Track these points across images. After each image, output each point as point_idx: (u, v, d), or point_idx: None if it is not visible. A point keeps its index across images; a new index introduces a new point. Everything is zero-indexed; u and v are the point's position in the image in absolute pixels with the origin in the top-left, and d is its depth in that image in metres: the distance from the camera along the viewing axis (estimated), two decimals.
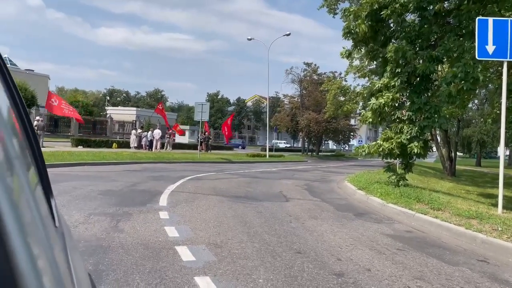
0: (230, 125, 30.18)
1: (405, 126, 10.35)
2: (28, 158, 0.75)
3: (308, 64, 44.51)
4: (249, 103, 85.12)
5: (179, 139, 39.06)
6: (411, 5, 10.21)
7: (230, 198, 8.47)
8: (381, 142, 10.84)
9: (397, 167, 11.57)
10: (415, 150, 10.11)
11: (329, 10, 17.24)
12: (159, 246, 4.54)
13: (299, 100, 44.67)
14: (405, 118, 10.49)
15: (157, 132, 27.59)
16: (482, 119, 35.64)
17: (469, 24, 9.58)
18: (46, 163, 1.02)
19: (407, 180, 11.36)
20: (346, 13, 12.00)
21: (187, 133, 44.47)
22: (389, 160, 11.34)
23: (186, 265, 3.93)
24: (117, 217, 5.89)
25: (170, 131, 31.49)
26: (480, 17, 7.82)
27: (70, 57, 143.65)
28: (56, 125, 35.27)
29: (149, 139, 27.68)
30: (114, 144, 27.13)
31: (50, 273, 0.47)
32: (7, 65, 0.81)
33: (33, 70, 51.15)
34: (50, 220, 0.76)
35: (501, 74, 10.59)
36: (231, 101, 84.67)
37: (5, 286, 0.40)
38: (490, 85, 15.84)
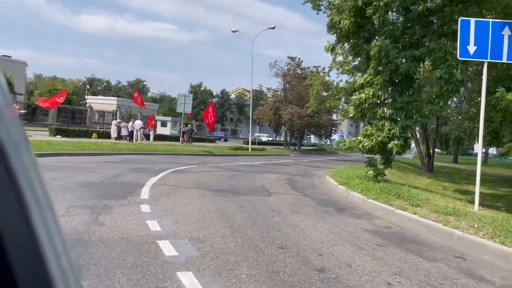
0: (214, 112, 29.84)
1: (386, 123, 10.49)
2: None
3: (292, 58, 44.61)
4: (233, 96, 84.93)
5: (160, 130, 38.67)
6: (394, 4, 10.30)
7: (212, 192, 8.45)
8: (362, 139, 10.97)
9: (377, 162, 11.75)
10: (395, 149, 10.29)
11: (314, 6, 17.26)
12: (141, 240, 4.50)
13: (282, 94, 44.76)
14: (386, 116, 10.63)
15: (138, 123, 27.25)
16: (460, 117, 36.47)
17: (452, 25, 9.75)
18: None
19: (385, 175, 11.56)
20: (330, 7, 12.06)
21: (168, 124, 44.06)
22: (370, 155, 11.52)
23: (168, 260, 3.91)
24: (97, 210, 5.80)
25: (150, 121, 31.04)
26: (463, 18, 7.96)
27: (49, 44, 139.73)
28: (33, 114, 34.40)
29: (129, 130, 27.30)
30: (94, 134, 26.67)
31: (65, 254, 0.48)
32: None
33: (10, 56, 49.59)
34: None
35: (480, 73, 10.87)
36: (215, 93, 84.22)
37: (32, 265, 0.42)
38: (468, 84, 16.21)
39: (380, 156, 11.66)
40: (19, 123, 0.48)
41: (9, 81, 33.41)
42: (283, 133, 51.22)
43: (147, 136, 30.07)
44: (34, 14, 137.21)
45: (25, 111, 30.24)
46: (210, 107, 30.97)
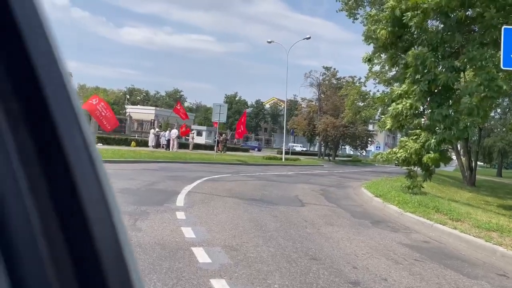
0: (245, 122, 30.11)
1: (422, 134, 10.18)
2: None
3: (327, 68, 44.33)
4: (267, 106, 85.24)
5: (195, 139, 39.40)
6: (432, 12, 10.04)
7: (246, 201, 8.50)
8: (397, 150, 10.73)
9: (417, 174, 11.39)
10: (430, 162, 9.96)
11: (349, 14, 17.13)
12: (176, 246, 4.60)
13: (317, 104, 44.50)
14: (423, 127, 10.33)
15: (174, 132, 27.87)
16: (504, 129, 34.77)
17: (493, 32, 9.38)
18: None
19: (423, 187, 11.20)
20: (367, 18, 11.93)
21: (204, 133, 44.81)
22: (409, 167, 11.18)
23: (202, 266, 3.97)
24: (135, 216, 5.98)
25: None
26: (506, 26, 7.66)
27: (92, 56, 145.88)
28: None
29: (166, 139, 27.99)
30: (132, 142, 27.53)
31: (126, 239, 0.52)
32: None
33: None
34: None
35: None
36: (249, 103, 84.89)
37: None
38: None
39: (417, 168, 11.32)
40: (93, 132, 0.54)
41: None
42: (317, 143, 50.77)
43: (185, 145, 30.76)
44: (79, 27, 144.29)
45: None
46: (243, 117, 31.29)
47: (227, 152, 32.16)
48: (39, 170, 0.42)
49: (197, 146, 33.28)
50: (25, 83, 0.43)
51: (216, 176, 13.35)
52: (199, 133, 43.89)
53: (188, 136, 32.84)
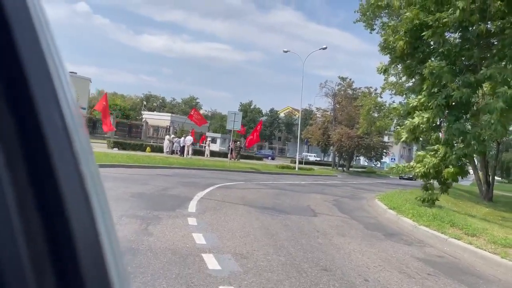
0: (259, 131, 30.31)
1: (441, 149, 10.01)
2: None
3: (343, 79, 44.17)
4: (282, 115, 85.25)
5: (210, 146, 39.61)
6: (452, 24, 9.91)
7: (257, 209, 8.47)
8: (415, 164, 10.58)
9: (434, 186, 11.19)
10: (450, 177, 9.79)
11: (366, 25, 17.06)
12: (186, 252, 4.60)
13: (332, 114, 44.31)
14: (441, 141, 10.15)
15: (189, 139, 28.04)
16: None
17: None
18: None
19: (438, 200, 11.01)
20: (385, 28, 11.87)
21: (218, 141, 44.97)
22: (426, 180, 11.00)
23: (211, 273, 3.96)
24: (147, 220, 6.02)
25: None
26: None
27: (112, 62, 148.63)
28: (94, 126, 36.63)
29: (181, 145, 28.17)
30: (147, 148, 27.80)
31: (121, 258, 0.53)
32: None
33: (75, 73, 53.32)
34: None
35: None
36: (264, 111, 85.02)
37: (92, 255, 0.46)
38: None
39: (436, 181, 11.13)
40: (87, 135, 0.54)
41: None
42: (332, 153, 50.43)
43: (199, 152, 30.96)
44: (100, 34, 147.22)
45: (87, 124, 32.25)
46: (259, 125, 31.38)
47: (241, 160, 32.19)
48: (22, 170, 0.42)
49: (211, 153, 33.44)
50: (12, 83, 0.42)
51: (229, 184, 13.36)
52: (213, 140, 44.09)
53: (204, 143, 33.06)
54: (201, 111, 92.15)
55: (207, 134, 44.96)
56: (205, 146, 32.23)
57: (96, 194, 0.49)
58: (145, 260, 4.13)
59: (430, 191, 10.83)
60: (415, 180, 11.46)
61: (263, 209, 8.54)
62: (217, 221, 6.64)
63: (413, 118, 10.25)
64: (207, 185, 11.78)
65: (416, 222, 8.30)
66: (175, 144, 28.36)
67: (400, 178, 38.01)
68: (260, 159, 42.10)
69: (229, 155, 26.65)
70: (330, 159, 56.35)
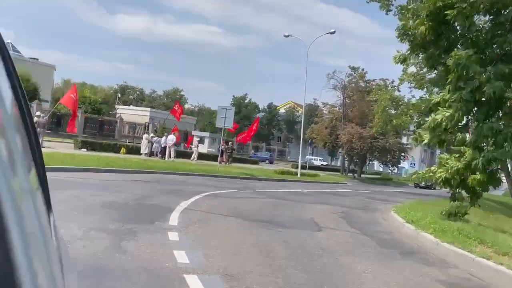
0: (255, 130, 30.60)
1: (467, 151, 10.03)
2: (29, 158, 0.76)
3: (354, 69, 44.33)
4: (282, 110, 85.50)
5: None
6: (482, 6, 9.94)
7: (252, 222, 8.49)
8: (436, 169, 10.61)
9: (463, 197, 11.18)
10: (476, 185, 9.81)
11: (382, 5, 17.12)
12: (166, 273, 4.60)
13: (341, 110, 44.48)
14: (469, 143, 10.17)
15: (171, 138, 28.00)
16: None
17: None
18: (45, 166, 1.04)
19: (468, 213, 11.05)
20: (403, 11, 11.91)
21: (206, 141, 45.02)
22: (452, 189, 11.01)
23: None
24: (120, 235, 6.01)
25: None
26: None
27: (80, 46, 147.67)
28: (58, 123, 36.40)
29: (162, 146, 28.12)
30: (122, 148, 27.75)
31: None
32: (10, 52, 0.82)
33: (37, 59, 53.09)
34: (49, 231, 0.78)
35: None
36: (261, 107, 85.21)
37: None
38: None
39: (463, 191, 11.15)
40: (7, 143, 0.50)
41: (35, 86, 35.63)
42: (340, 157, 50.62)
43: (184, 155, 30.98)
44: (67, 13, 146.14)
45: (50, 119, 32.11)
46: (255, 124, 31.42)
47: (233, 164, 32.23)
48: None
49: (199, 156, 33.45)
50: None
51: (219, 192, 13.38)
52: (201, 141, 44.15)
53: (192, 145, 33.05)
54: (187, 106, 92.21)
55: (194, 133, 45.04)
56: (192, 147, 32.21)
57: (16, 218, 0.46)
58: (116, 283, 4.12)
59: (458, 203, 10.81)
60: (433, 188, 11.52)
61: (258, 222, 8.55)
62: (203, 236, 6.64)
63: (436, 115, 10.27)
64: (193, 194, 11.78)
65: (439, 238, 8.34)
66: (155, 144, 28.34)
67: (415, 186, 38.24)
68: (255, 162, 42.17)
69: (219, 158, 26.69)
70: (338, 164, 56.54)
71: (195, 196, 11.27)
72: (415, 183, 39.04)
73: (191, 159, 30.68)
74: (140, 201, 9.43)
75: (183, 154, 31.69)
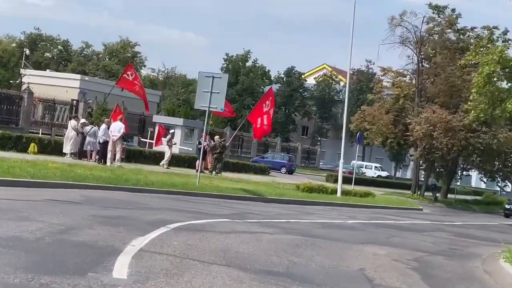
0: (271, 114, 30.29)
1: None
2: None
3: (437, 9, 44.14)
4: (310, 81, 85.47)
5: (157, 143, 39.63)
6: None
7: (255, 276, 8.49)
8: None
9: None
10: None
11: None
12: None
13: (414, 81, 44.38)
14: None
15: (117, 127, 27.85)
16: None
17: None
18: None
19: None
20: None
21: (178, 133, 45.04)
22: None
23: None
24: None
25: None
26: None
27: None
28: None
29: (101, 140, 28.01)
30: (32, 145, 27.79)
31: None
32: None
33: None
34: None
35: None
36: (274, 74, 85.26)
37: None
38: None
39: None
40: None
41: None
42: (411, 163, 50.53)
43: (140, 157, 31.05)
44: None
45: None
46: (268, 100, 31.06)
47: (224, 174, 32.23)
48: None
49: (164, 158, 33.53)
50: None
51: (199, 222, 13.38)
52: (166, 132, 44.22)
53: (164, 140, 33.19)
54: (144, 72, 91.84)
55: (156, 119, 44.98)
56: (164, 145, 32.38)
57: None
58: None
59: None
60: None
61: (266, 276, 8.55)
62: None
63: None
64: (154, 225, 11.79)
65: None
66: (88, 138, 28.26)
67: (504, 213, 38.39)
68: (263, 171, 42.22)
69: (199, 162, 26.55)
70: (408, 175, 56.37)
71: (158, 229, 11.28)
72: (504, 210, 38.75)
73: (161, 164, 30.74)
74: (63, 236, 9.43)
75: (138, 156, 31.80)
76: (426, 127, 39.01)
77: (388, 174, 65.61)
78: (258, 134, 34.19)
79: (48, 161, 22.42)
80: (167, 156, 31.51)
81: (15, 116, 40.51)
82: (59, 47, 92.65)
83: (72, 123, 29.16)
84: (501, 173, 45.31)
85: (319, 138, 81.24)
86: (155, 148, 35.96)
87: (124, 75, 34.23)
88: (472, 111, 31.95)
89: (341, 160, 33.85)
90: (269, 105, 30.20)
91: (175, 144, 33.97)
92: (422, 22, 44.14)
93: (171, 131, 34.52)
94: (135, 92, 34.92)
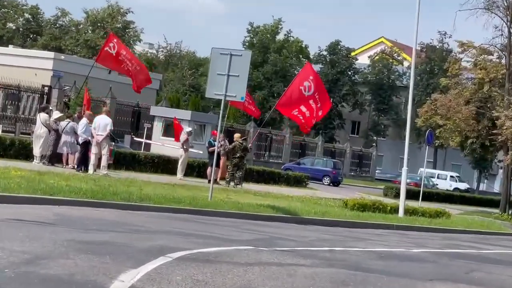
0: (322, 95, 29.56)
1: None
2: None
3: None
4: (362, 60, 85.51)
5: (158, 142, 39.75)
6: None
7: None
8: None
9: None
10: None
11: None
12: None
13: (503, 60, 44.23)
14: None
15: (102, 122, 27.97)
16: None
17: None
18: None
19: None
20: None
21: (184, 128, 45.30)
22: None
23: None
24: None
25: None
26: None
27: None
28: None
29: (81, 140, 28.15)
30: None
31: None
32: None
33: None
34: None
35: None
36: (313, 50, 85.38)
37: None
38: None
39: None
40: None
41: None
42: (502, 171, 50.38)
43: (133, 161, 31.22)
44: None
45: None
46: (308, 80, 30.51)
47: (245, 186, 32.29)
48: None
49: (166, 162, 33.69)
50: None
51: (211, 250, 13.43)
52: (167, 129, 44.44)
53: (181, 139, 33.40)
54: (139, 48, 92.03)
55: (153, 110, 45.17)
56: (180, 145, 32.62)
57: None
58: None
59: None
60: None
61: None
62: None
63: None
64: (151, 252, 11.86)
65: None
66: (64, 137, 28.42)
67: None
68: (299, 181, 42.19)
69: (211, 170, 26.59)
70: (496, 188, 56.08)
71: (155, 259, 11.33)
72: None
73: (178, 177, 30.83)
74: (30, 267, 9.51)
75: (130, 162, 32.00)
76: None
77: (468, 186, 65.34)
78: (304, 129, 33.04)
79: (11, 167, 22.61)
80: (182, 162, 31.86)
81: None
82: (26, 15, 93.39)
83: (43, 117, 29.23)
84: None
85: (375, 138, 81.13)
86: (157, 150, 35.99)
87: (105, 48, 32.26)
88: None
89: (405, 168, 33.68)
90: (311, 87, 28.95)
91: (192, 147, 33.99)
92: None
93: (188, 129, 34.35)
94: (124, 71, 33.89)
